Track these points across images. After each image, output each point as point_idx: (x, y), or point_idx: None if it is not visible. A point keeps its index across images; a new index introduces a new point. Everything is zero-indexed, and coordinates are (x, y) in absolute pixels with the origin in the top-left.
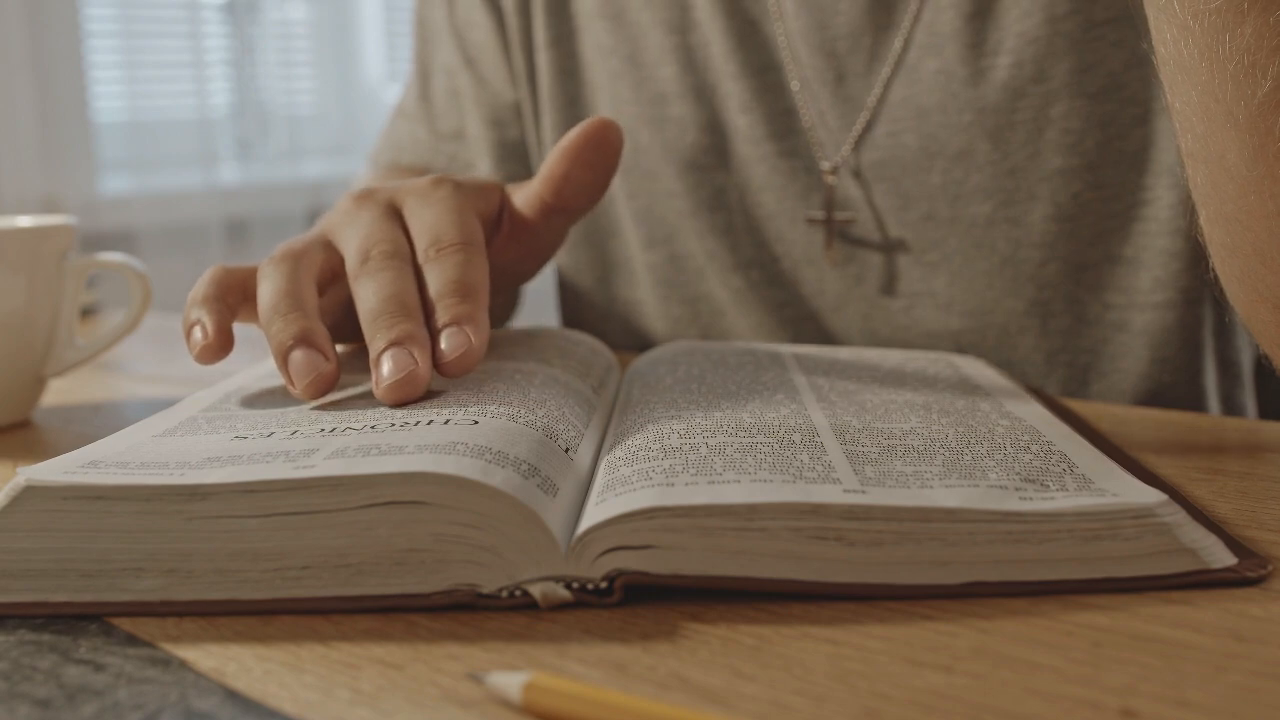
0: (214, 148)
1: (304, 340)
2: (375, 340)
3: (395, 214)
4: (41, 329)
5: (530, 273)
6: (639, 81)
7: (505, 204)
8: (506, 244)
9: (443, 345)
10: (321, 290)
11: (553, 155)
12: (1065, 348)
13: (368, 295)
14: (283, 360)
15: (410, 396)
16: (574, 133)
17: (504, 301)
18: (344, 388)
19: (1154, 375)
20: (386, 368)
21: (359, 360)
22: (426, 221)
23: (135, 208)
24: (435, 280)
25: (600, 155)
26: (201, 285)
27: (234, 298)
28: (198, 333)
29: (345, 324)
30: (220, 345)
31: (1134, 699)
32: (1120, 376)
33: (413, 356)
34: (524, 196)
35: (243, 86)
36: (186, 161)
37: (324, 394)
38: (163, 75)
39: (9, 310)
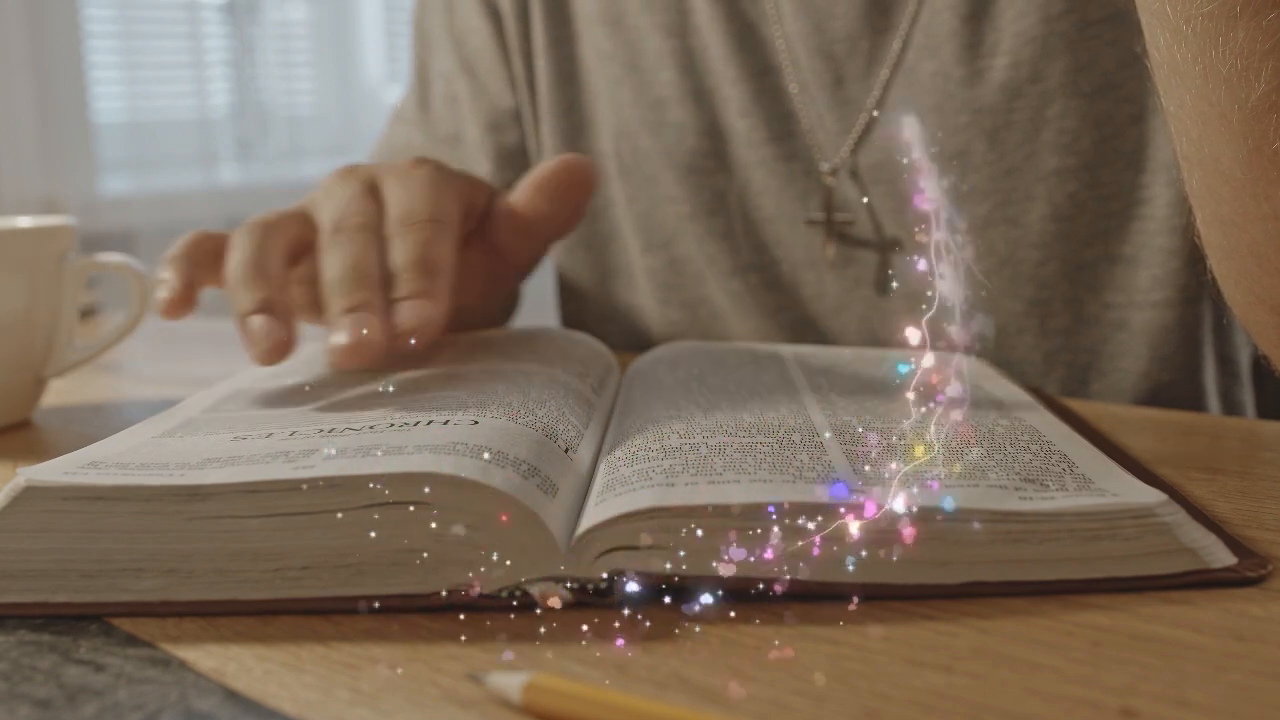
0: (214, 148)
1: (264, 307)
2: (331, 306)
3: (374, 190)
4: (41, 329)
5: (504, 282)
6: (639, 86)
7: (489, 206)
8: (481, 247)
9: (398, 316)
10: (296, 261)
11: (521, 185)
12: (1064, 347)
13: (331, 264)
14: (241, 325)
15: (361, 362)
16: (544, 166)
17: (500, 304)
18: (344, 388)
19: (1153, 374)
20: (340, 333)
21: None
22: (400, 198)
23: (135, 208)
24: (399, 255)
25: (566, 192)
26: (175, 246)
27: (208, 260)
28: (162, 289)
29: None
30: (183, 300)
31: (1134, 699)
32: (1120, 376)
33: (366, 323)
34: (499, 211)
35: (242, 87)
36: (186, 162)
37: (279, 360)
38: (163, 75)
39: (9, 310)
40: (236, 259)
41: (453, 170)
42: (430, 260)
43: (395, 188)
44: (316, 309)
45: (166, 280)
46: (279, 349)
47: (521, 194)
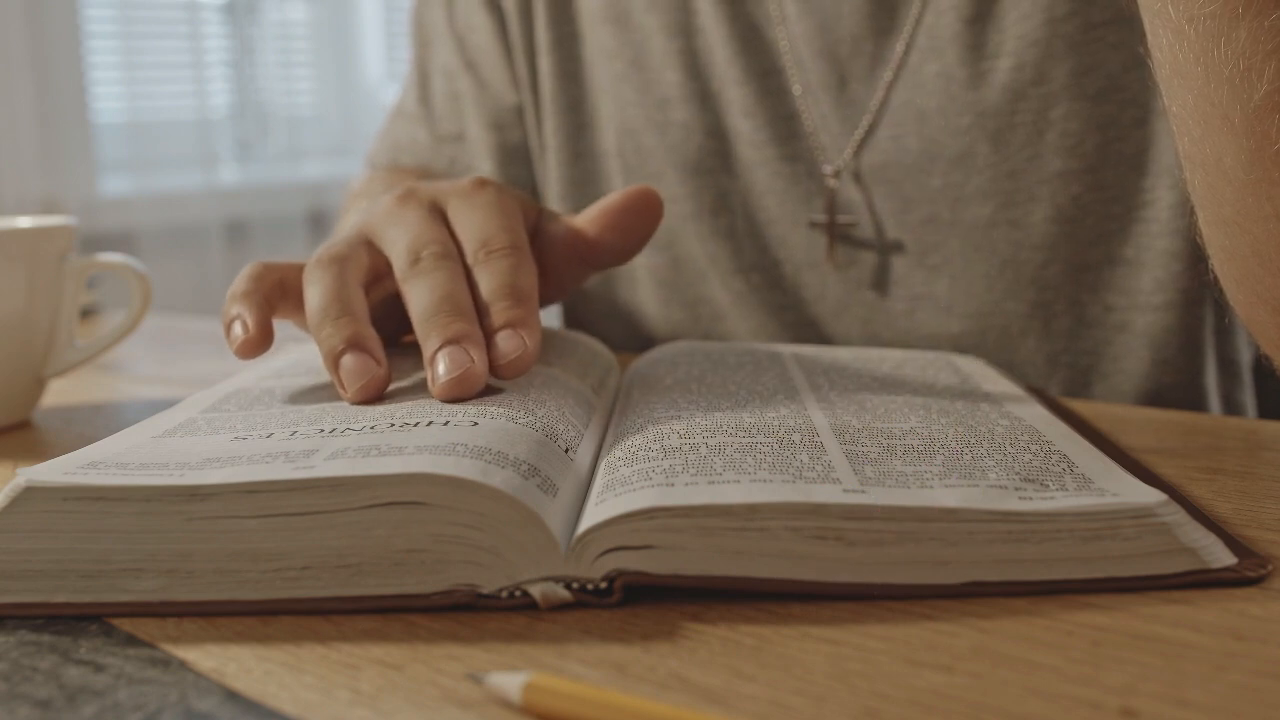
0: (214, 149)
1: (355, 345)
2: (430, 339)
3: (440, 214)
4: (41, 330)
5: (548, 301)
6: (643, 85)
7: (537, 224)
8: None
9: (500, 347)
10: (366, 291)
11: (590, 214)
12: (1067, 349)
13: (420, 295)
14: (333, 365)
15: (466, 394)
16: (615, 197)
17: None
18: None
19: (1155, 376)
20: (442, 365)
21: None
22: (474, 223)
23: (135, 208)
24: (487, 282)
25: (637, 223)
26: (241, 281)
27: (274, 294)
28: (238, 328)
29: (385, 324)
30: (260, 340)
31: (1134, 698)
32: (1122, 378)
33: (469, 354)
34: (554, 234)
35: (242, 87)
36: (186, 162)
37: (374, 398)
38: (163, 76)
39: (9, 311)
40: (319, 294)
41: (512, 190)
42: (519, 288)
43: (464, 212)
44: (380, 334)
45: (239, 318)
46: (375, 386)
47: (590, 221)
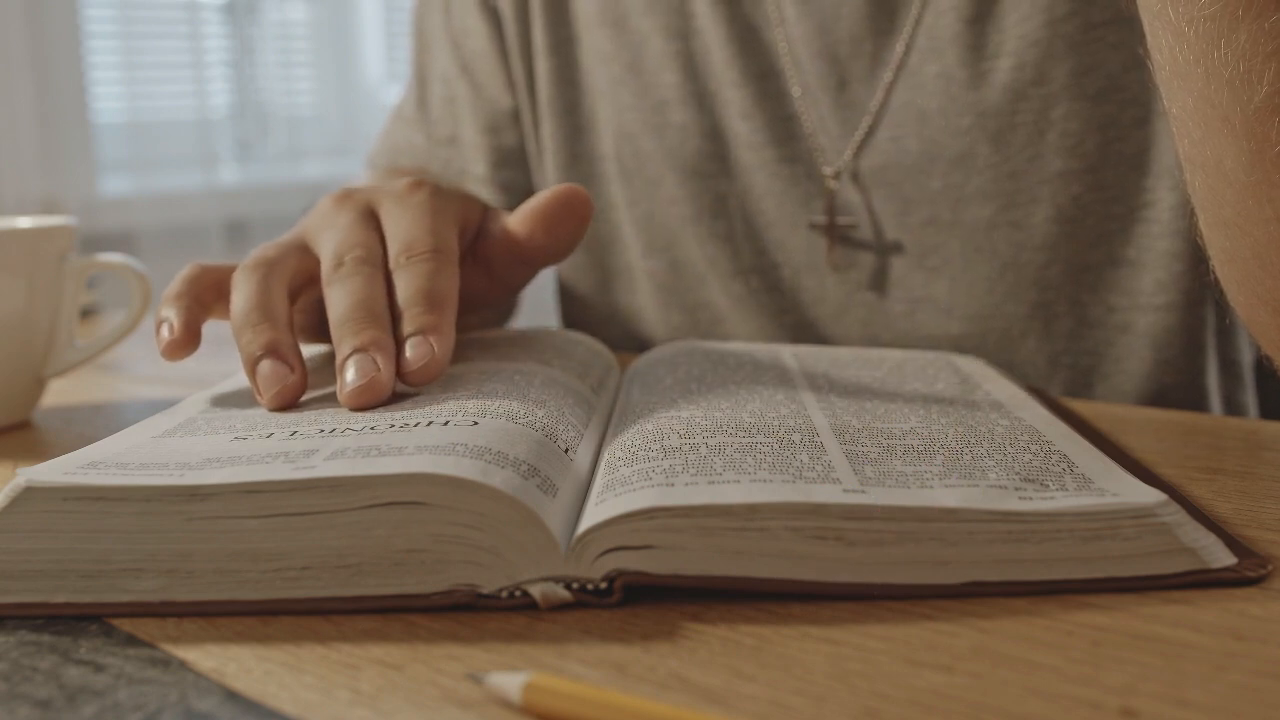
0: (214, 148)
1: (271, 351)
2: (341, 346)
3: (371, 217)
4: (41, 330)
5: (496, 300)
6: (641, 88)
7: (482, 224)
8: (475, 265)
9: (407, 354)
10: (298, 294)
11: (520, 213)
12: (1068, 350)
13: (337, 301)
14: (250, 370)
15: (372, 402)
16: (542, 196)
17: (487, 318)
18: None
19: (1157, 377)
20: (350, 373)
21: None
22: (401, 226)
23: (135, 208)
24: (404, 288)
25: (565, 223)
26: (174, 283)
27: (209, 296)
28: (165, 330)
29: (323, 326)
30: (185, 342)
31: (1134, 698)
32: (1123, 379)
33: (375, 363)
34: (494, 234)
35: (242, 87)
36: (186, 162)
37: (290, 404)
38: (162, 76)
39: (9, 311)
40: (241, 300)
41: (449, 190)
42: (435, 293)
43: (394, 214)
44: (319, 337)
45: (167, 320)
46: (290, 393)
47: (519, 221)
